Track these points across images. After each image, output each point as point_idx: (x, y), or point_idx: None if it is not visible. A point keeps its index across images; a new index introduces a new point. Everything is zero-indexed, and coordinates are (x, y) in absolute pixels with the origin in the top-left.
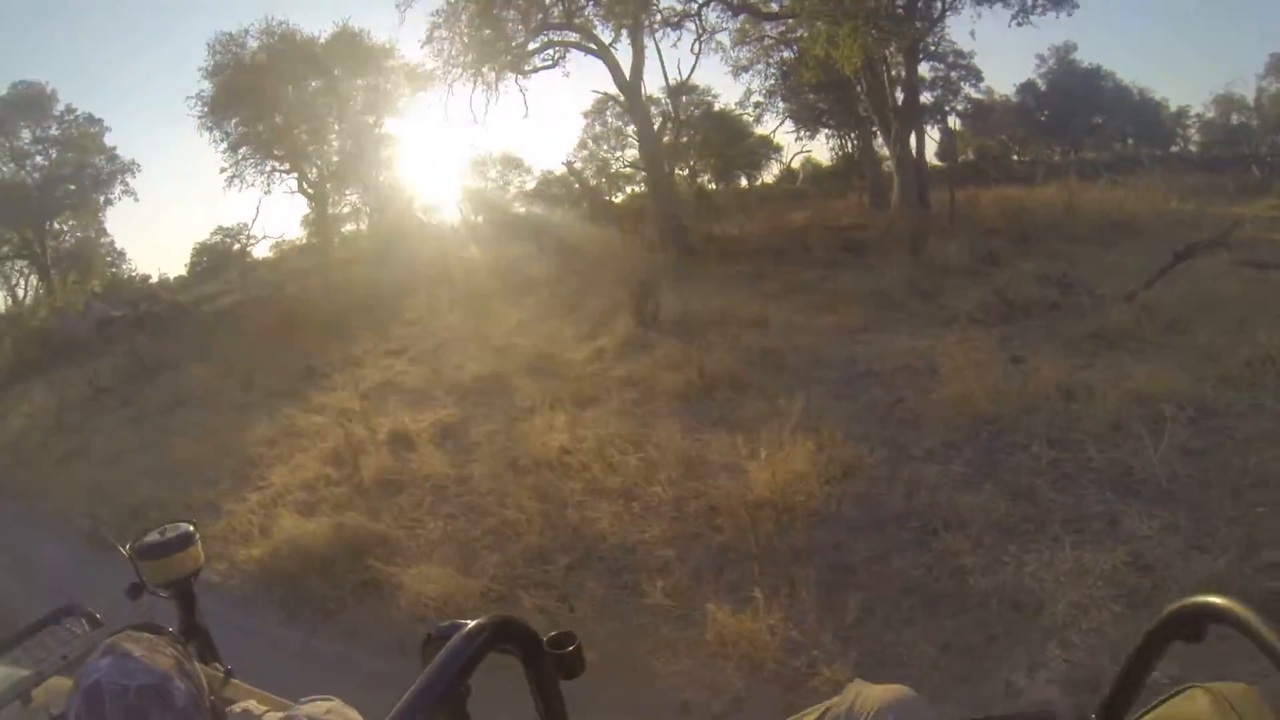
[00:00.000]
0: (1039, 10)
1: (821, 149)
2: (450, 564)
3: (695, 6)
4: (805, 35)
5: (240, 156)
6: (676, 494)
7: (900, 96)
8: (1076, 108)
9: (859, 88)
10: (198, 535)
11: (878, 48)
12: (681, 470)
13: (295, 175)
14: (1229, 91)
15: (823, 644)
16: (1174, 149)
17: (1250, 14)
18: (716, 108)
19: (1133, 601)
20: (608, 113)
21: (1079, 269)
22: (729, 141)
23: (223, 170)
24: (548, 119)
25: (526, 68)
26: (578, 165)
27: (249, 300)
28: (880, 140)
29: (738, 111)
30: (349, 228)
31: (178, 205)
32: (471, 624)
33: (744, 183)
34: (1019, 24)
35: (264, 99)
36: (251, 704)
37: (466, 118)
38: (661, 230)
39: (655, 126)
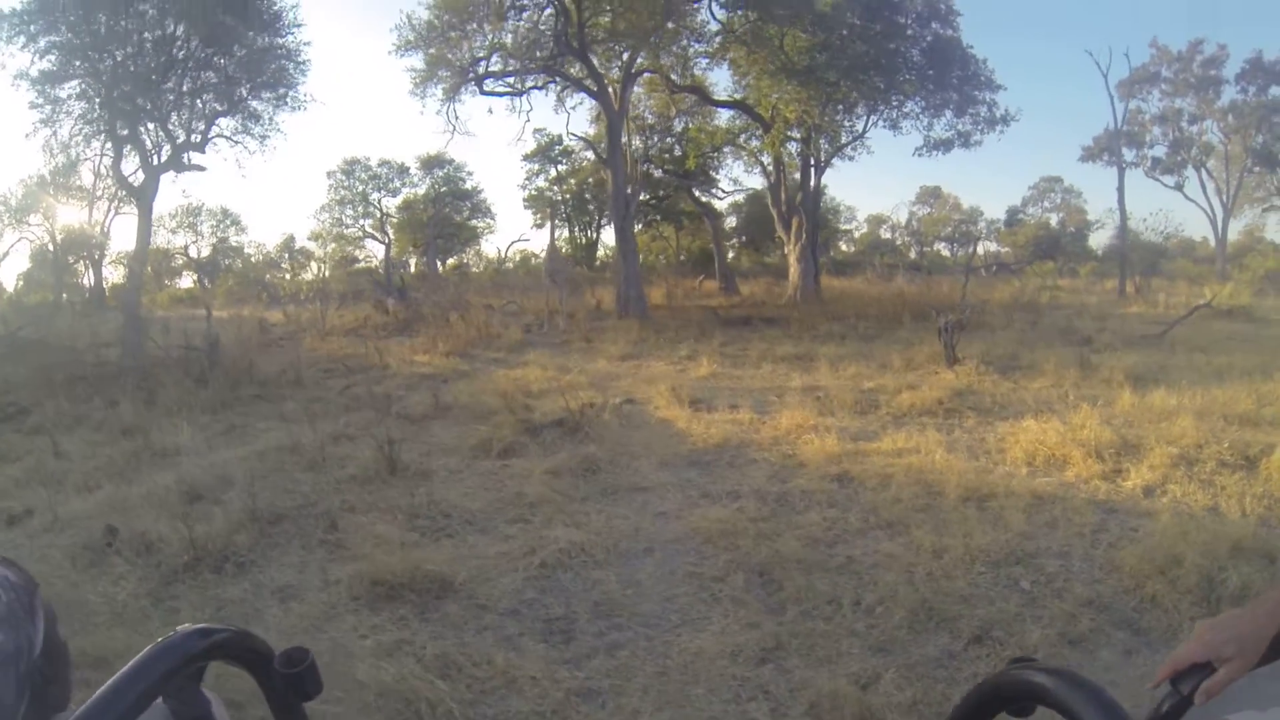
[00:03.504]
0: (940, 149)
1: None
2: None
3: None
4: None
5: (64, 96)
6: None
7: (799, 197)
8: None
9: (768, 181)
10: None
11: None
12: None
13: (137, 153)
14: (894, 212)
15: None
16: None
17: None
18: (468, 185)
19: None
20: (354, 177)
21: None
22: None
23: (33, 106)
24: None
25: (485, 87)
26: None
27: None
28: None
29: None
30: None
31: None
32: (198, 626)
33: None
34: (919, 155)
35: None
36: None
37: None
38: (623, 296)
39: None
